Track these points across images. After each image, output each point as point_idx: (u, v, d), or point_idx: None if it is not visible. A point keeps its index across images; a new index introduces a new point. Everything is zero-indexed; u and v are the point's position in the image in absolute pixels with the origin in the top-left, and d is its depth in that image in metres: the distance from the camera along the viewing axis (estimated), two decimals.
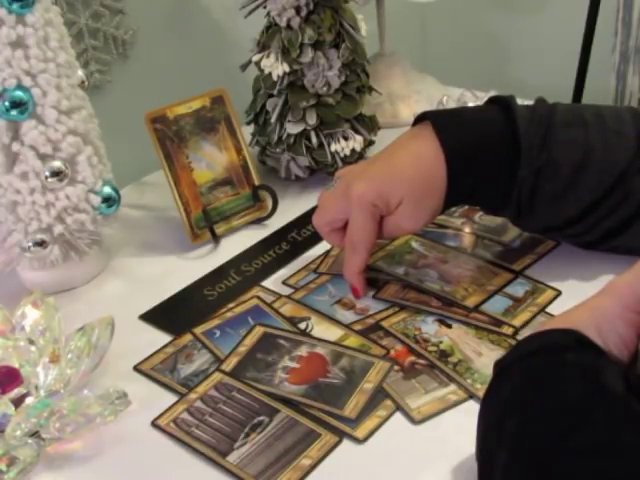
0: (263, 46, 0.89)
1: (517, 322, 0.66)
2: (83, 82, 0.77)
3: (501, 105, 0.67)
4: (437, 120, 0.67)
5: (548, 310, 0.67)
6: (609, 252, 0.70)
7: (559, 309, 0.66)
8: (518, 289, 0.70)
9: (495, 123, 0.66)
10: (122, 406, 0.60)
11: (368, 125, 0.93)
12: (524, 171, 0.65)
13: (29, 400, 0.62)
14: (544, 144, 0.65)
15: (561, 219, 0.68)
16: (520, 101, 0.68)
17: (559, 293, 0.69)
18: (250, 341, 0.68)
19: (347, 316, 0.70)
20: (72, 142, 0.73)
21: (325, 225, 0.72)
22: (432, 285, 0.71)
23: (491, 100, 0.70)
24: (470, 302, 0.69)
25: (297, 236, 0.84)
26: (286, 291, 0.75)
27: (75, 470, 0.59)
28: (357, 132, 0.91)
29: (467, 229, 0.80)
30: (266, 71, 0.87)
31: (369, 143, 0.95)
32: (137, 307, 0.75)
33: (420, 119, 0.69)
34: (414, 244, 0.78)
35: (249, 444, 0.58)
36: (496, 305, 0.68)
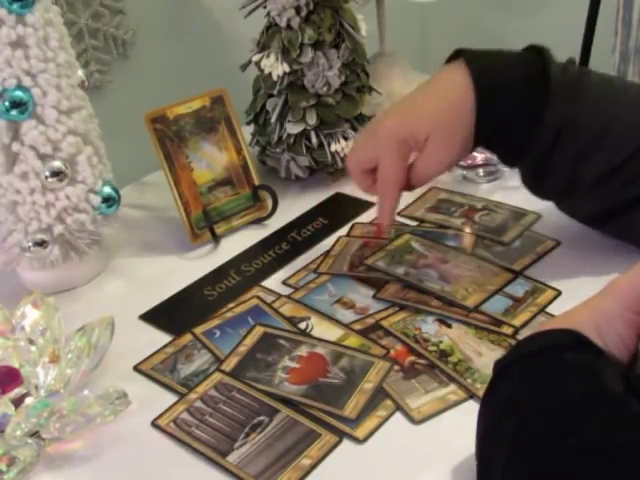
0: (263, 46, 0.89)
1: (517, 322, 0.66)
2: (83, 82, 0.77)
3: (538, 55, 0.66)
4: (470, 54, 0.67)
5: (548, 310, 0.67)
6: (608, 235, 0.70)
7: (559, 309, 0.66)
8: (518, 289, 0.70)
9: (529, 65, 0.66)
10: (122, 406, 0.60)
11: None
12: (548, 121, 0.64)
13: (29, 400, 0.62)
14: (572, 100, 0.64)
15: (574, 184, 0.67)
16: None
17: (559, 293, 0.69)
18: (250, 341, 0.68)
19: (347, 316, 0.70)
20: (72, 142, 0.73)
21: (356, 165, 0.71)
22: (432, 285, 0.71)
23: (529, 48, 0.69)
24: (470, 302, 0.69)
25: (297, 236, 0.84)
26: (286, 291, 0.75)
27: (75, 470, 0.59)
28: (357, 132, 0.91)
29: (467, 229, 0.80)
30: (266, 71, 0.87)
31: None
32: (137, 307, 0.75)
33: (454, 57, 0.69)
34: (414, 244, 0.78)
35: (249, 444, 0.58)
36: (496, 305, 0.68)
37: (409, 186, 0.71)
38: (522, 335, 0.64)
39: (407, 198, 0.87)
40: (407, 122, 0.67)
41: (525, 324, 0.66)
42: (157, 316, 0.74)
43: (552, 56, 0.66)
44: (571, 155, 0.65)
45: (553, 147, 0.65)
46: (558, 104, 0.64)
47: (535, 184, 0.70)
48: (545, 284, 0.70)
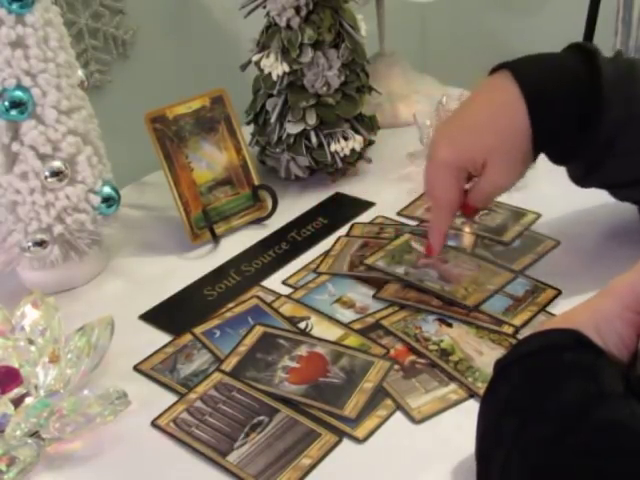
0: (263, 46, 0.89)
1: (517, 321, 0.66)
2: (83, 82, 0.77)
3: (584, 53, 0.65)
4: (516, 69, 0.65)
5: (549, 309, 0.67)
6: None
7: (559, 309, 0.66)
8: (518, 288, 0.70)
9: (578, 73, 0.64)
10: (122, 406, 0.60)
11: (368, 125, 0.93)
12: (604, 122, 0.63)
13: (29, 400, 0.62)
14: (625, 99, 0.63)
15: (627, 177, 0.66)
16: None
17: (559, 292, 0.69)
18: (250, 341, 0.68)
19: (347, 315, 0.70)
20: (72, 142, 0.73)
21: (434, 193, 0.70)
22: (432, 285, 0.71)
23: (572, 46, 0.67)
24: (470, 301, 0.69)
25: (297, 236, 0.84)
26: (286, 291, 0.75)
27: (75, 470, 0.59)
28: (357, 132, 0.91)
29: (467, 229, 0.80)
30: (266, 71, 0.87)
31: (369, 143, 0.95)
32: (137, 307, 0.75)
33: (496, 69, 0.67)
34: (414, 244, 0.78)
35: (249, 444, 0.58)
36: (496, 304, 0.68)
37: (471, 210, 0.70)
38: (522, 335, 0.64)
39: (407, 198, 0.87)
40: (462, 150, 0.66)
41: (525, 323, 0.66)
42: (157, 316, 0.74)
43: (599, 52, 0.64)
44: (625, 150, 0.64)
45: (610, 144, 0.63)
46: (614, 101, 0.62)
47: (584, 179, 0.68)
48: (545, 283, 0.70)
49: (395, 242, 0.79)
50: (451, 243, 0.78)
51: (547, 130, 0.64)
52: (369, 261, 0.76)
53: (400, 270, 0.74)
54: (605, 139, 0.63)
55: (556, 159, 0.69)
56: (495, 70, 0.67)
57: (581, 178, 0.68)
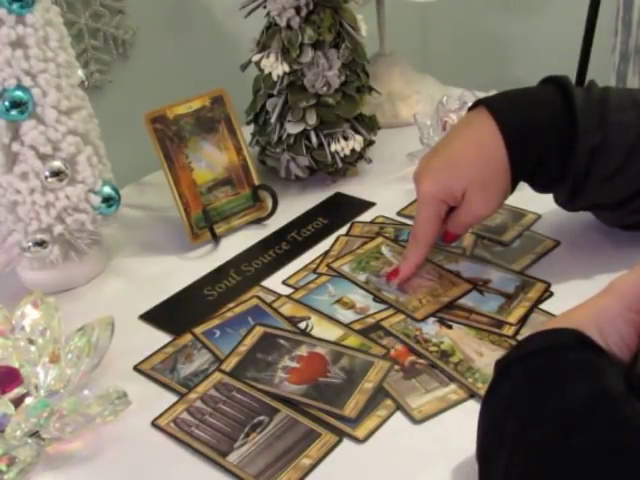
0: (263, 46, 0.89)
1: (513, 319, 0.66)
2: (83, 82, 0.77)
3: (557, 86, 0.67)
4: (491, 103, 0.67)
5: (547, 307, 0.68)
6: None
7: (559, 309, 0.66)
8: (508, 285, 0.70)
9: (552, 104, 0.66)
10: (122, 406, 0.60)
11: (368, 125, 0.93)
12: (580, 151, 0.65)
13: (29, 400, 0.62)
14: (599, 126, 0.65)
15: (609, 200, 0.68)
16: None
17: (549, 285, 0.70)
18: (250, 341, 0.68)
19: (347, 315, 0.70)
20: (72, 142, 0.73)
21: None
22: (388, 295, 0.72)
23: (545, 80, 0.69)
24: (419, 314, 0.69)
25: (297, 236, 0.84)
26: (286, 291, 0.75)
27: (75, 470, 0.59)
28: (357, 132, 0.91)
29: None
30: (266, 71, 0.87)
31: (369, 143, 0.95)
32: (137, 307, 0.75)
33: (474, 106, 0.69)
34: (384, 249, 0.78)
35: (249, 444, 0.58)
36: (490, 304, 0.69)
37: (450, 237, 0.73)
38: (523, 335, 0.64)
39: (407, 198, 0.87)
40: (444, 184, 0.68)
41: (522, 319, 0.66)
42: (157, 316, 0.74)
43: (572, 87, 0.66)
44: (603, 177, 0.66)
45: (586, 173, 0.66)
46: (587, 129, 0.64)
47: (569, 203, 0.71)
48: (533, 277, 0.71)
49: (367, 245, 0.79)
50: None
51: (524, 164, 0.67)
52: (335, 265, 0.76)
53: (362, 277, 0.74)
54: (583, 166, 0.65)
55: (538, 189, 0.72)
56: (474, 106, 0.69)
57: (566, 203, 0.71)
